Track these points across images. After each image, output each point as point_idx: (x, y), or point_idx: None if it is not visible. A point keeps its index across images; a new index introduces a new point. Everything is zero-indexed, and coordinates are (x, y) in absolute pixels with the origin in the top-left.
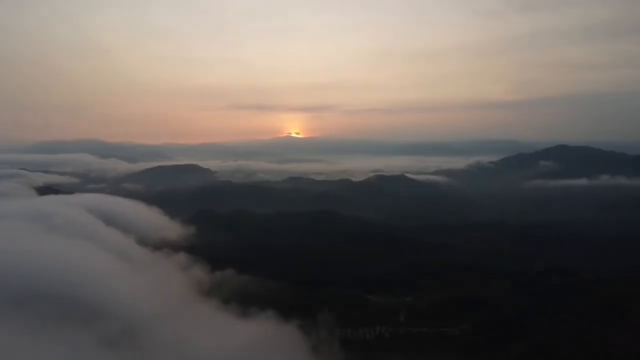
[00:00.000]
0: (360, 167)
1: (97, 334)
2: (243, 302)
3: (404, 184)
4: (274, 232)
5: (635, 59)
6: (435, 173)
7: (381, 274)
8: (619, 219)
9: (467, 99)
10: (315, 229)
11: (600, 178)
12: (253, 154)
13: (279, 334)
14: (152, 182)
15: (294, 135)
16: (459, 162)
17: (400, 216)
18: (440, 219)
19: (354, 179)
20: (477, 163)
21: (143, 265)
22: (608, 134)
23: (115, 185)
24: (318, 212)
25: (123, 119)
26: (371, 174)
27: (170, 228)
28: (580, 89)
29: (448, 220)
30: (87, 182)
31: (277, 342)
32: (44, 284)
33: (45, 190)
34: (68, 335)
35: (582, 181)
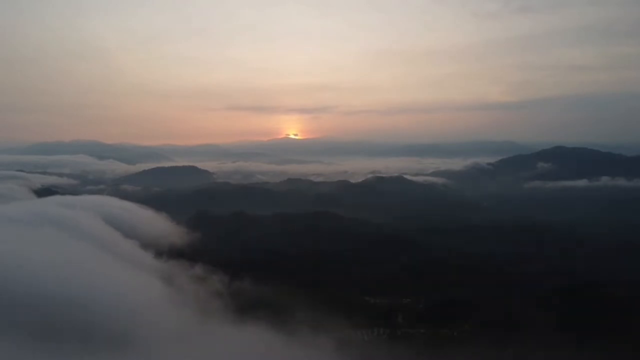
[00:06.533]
0: (359, 168)
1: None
2: (243, 305)
3: (402, 185)
4: (272, 234)
5: (633, 61)
6: (434, 174)
7: (379, 275)
8: (618, 220)
9: (465, 100)
10: (313, 230)
11: (598, 179)
12: (251, 155)
13: (279, 338)
14: (150, 184)
15: (292, 136)
16: (457, 163)
17: (399, 217)
18: (439, 220)
19: (353, 180)
20: (475, 164)
21: (150, 271)
22: (605, 135)
23: (113, 187)
24: (316, 213)
25: (121, 120)
26: (369, 175)
27: (170, 230)
28: (577, 90)
29: (446, 222)
30: (85, 183)
31: (278, 347)
32: (56, 295)
33: (43, 192)
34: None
35: (580, 182)
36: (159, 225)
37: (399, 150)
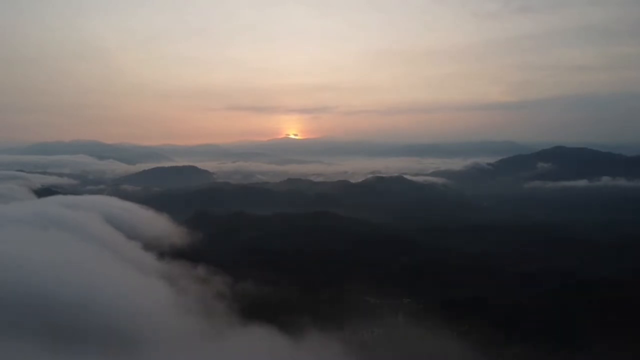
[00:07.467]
0: (359, 168)
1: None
2: (244, 306)
3: (402, 185)
4: (272, 234)
5: (633, 61)
6: (434, 174)
7: (379, 275)
8: (618, 220)
9: (465, 100)
10: (313, 230)
11: (598, 179)
12: (251, 155)
13: (280, 338)
14: (150, 184)
15: (292, 136)
16: (457, 164)
17: (399, 217)
18: (439, 220)
19: (353, 180)
20: (475, 164)
21: (152, 272)
22: (605, 135)
23: (113, 187)
24: (316, 213)
25: (121, 120)
26: (369, 175)
27: (170, 230)
28: (577, 91)
29: (446, 222)
30: (86, 183)
31: (279, 347)
32: (60, 296)
33: (43, 192)
34: None
35: (581, 182)
36: (159, 225)
37: (399, 150)
